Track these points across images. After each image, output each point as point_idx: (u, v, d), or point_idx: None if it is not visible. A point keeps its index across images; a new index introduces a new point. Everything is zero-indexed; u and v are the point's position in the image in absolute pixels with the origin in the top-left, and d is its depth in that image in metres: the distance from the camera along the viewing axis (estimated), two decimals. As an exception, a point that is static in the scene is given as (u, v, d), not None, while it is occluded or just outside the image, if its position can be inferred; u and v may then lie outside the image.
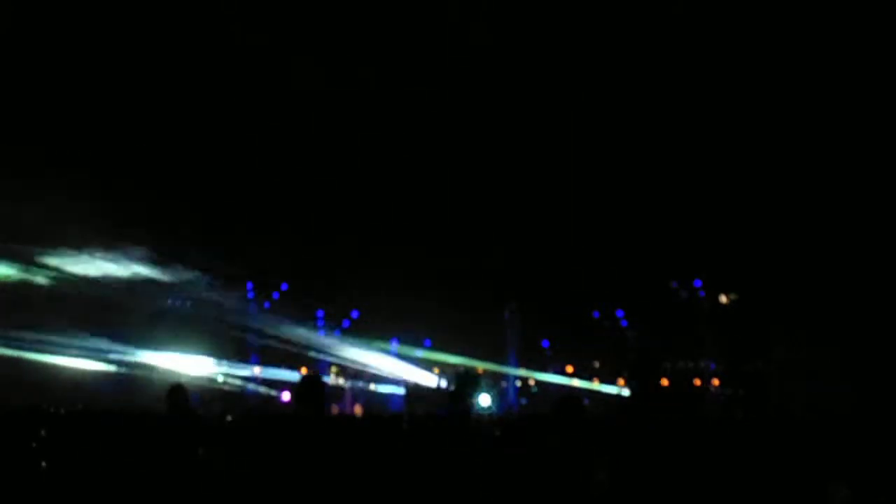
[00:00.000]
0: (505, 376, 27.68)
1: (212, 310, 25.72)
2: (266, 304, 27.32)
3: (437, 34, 17.86)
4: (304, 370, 28.60)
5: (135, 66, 18.22)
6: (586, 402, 18.45)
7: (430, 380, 27.83)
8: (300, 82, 18.69)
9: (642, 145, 19.71)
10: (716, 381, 25.56)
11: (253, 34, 17.76)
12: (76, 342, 25.14)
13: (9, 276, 23.34)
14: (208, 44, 17.80)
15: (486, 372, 27.82)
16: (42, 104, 18.06)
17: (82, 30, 17.53)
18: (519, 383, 28.18)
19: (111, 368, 25.57)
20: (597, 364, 28.33)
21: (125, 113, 18.89)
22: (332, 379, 28.63)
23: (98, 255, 23.25)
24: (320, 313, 27.74)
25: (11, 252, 22.57)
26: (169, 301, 26.49)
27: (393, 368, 27.96)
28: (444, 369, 27.40)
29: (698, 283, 24.75)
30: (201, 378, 26.41)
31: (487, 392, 26.89)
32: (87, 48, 17.68)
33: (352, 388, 28.63)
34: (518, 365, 27.68)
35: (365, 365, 27.88)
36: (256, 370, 28.10)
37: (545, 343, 27.92)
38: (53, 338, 24.83)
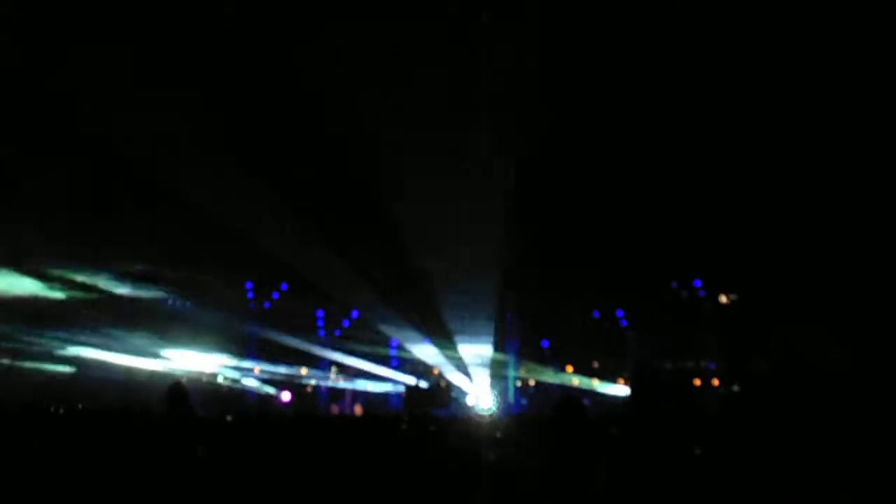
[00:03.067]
0: (505, 377, 27.70)
1: (212, 310, 25.75)
2: (266, 305, 27.34)
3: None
4: (303, 370, 28.67)
5: (136, 67, 18.22)
6: (586, 402, 18.49)
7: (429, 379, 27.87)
8: (300, 82, 18.68)
9: (642, 145, 19.70)
10: (716, 381, 25.56)
11: (252, 34, 17.75)
12: (77, 343, 25.18)
13: (16, 283, 23.40)
14: (208, 44, 17.81)
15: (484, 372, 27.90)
16: (41, 105, 18.06)
17: (81, 31, 17.53)
18: (519, 383, 28.20)
19: (111, 368, 25.60)
20: (596, 364, 28.37)
21: (125, 113, 18.90)
22: (332, 379, 28.69)
23: (99, 255, 23.27)
24: (320, 313, 27.76)
25: (18, 259, 22.63)
26: (169, 301, 26.52)
27: (393, 368, 28.02)
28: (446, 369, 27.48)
29: (698, 283, 24.78)
30: (201, 378, 26.45)
31: (489, 392, 27.01)
32: (86, 49, 17.68)
33: (352, 389, 28.69)
34: (518, 365, 27.71)
35: (366, 365, 27.93)
36: (256, 370, 28.14)
37: (545, 343, 27.93)
38: (53, 338, 24.88)
